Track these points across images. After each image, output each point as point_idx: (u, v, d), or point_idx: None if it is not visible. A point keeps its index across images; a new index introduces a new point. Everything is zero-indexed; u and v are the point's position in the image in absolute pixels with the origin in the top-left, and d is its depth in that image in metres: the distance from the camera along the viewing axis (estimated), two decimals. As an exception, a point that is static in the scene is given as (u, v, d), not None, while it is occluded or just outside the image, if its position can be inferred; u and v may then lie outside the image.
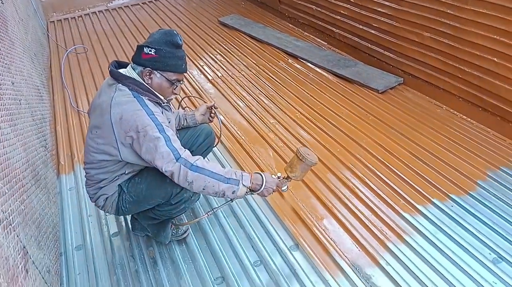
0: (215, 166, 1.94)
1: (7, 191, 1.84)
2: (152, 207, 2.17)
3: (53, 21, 6.52)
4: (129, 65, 2.04)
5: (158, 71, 1.99)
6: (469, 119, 3.22)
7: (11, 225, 1.73)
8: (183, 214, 2.53)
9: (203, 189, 1.91)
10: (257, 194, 2.02)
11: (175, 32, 2.02)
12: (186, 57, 2.09)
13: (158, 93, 2.02)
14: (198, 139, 2.47)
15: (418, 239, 2.25)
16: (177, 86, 2.06)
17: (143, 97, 1.95)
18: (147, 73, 1.99)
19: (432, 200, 2.50)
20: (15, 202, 1.89)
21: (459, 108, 3.30)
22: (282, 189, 2.13)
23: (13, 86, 2.70)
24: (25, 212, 1.98)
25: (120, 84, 1.97)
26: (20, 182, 2.08)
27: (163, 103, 2.05)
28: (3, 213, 1.70)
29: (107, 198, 2.11)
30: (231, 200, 2.07)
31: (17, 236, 1.76)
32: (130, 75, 1.99)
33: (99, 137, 1.98)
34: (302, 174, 2.08)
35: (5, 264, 1.51)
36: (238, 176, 1.96)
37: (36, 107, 3.19)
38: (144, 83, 1.99)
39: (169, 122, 2.08)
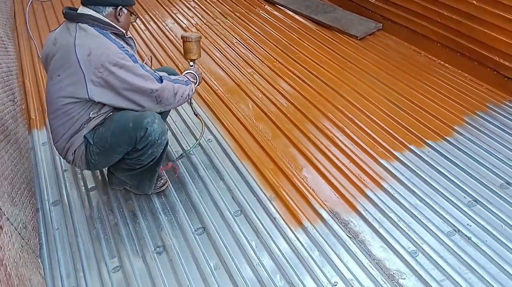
0: (176, 77, 2.24)
1: (-27, 147, 1.76)
2: (122, 157, 2.13)
3: (14, -33, 6.08)
4: (81, 7, 2.01)
5: (126, 6, 2.07)
6: (447, 65, 3.21)
7: (-20, 182, 1.67)
8: (164, 171, 2.50)
9: (181, 96, 2.16)
10: (197, 85, 2.39)
11: None
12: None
13: (125, 28, 2.10)
14: None
15: (395, 184, 2.29)
16: (136, 17, 2.22)
17: (107, 31, 1.98)
18: (119, 12, 2.05)
19: (409, 146, 2.52)
20: (-17, 159, 1.82)
21: (437, 54, 3.28)
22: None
23: (-27, 37, 2.54)
24: (-5, 168, 1.91)
25: (79, 24, 1.95)
26: (-13, 138, 2.00)
27: (126, 35, 2.10)
28: (-29, 170, 1.63)
29: (75, 151, 2.08)
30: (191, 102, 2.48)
31: (-12, 193, 1.71)
32: (89, 14, 1.98)
33: (62, 80, 1.95)
34: (199, 50, 2.41)
35: (-23, 222, 1.47)
36: (186, 77, 2.30)
37: (1, 59, 3.03)
38: (102, 18, 1.99)
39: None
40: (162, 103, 2.08)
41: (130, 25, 2.21)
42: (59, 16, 4.54)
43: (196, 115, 2.51)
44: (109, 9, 2.01)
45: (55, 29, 2.10)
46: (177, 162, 2.56)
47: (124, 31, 2.08)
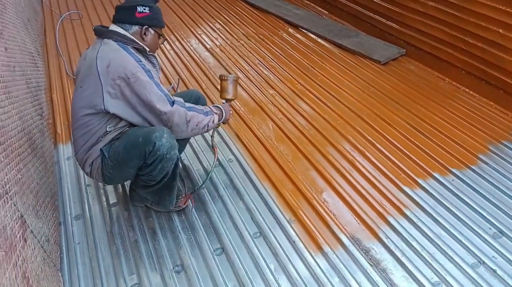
0: (196, 106, 2.20)
1: (3, 159, 1.80)
2: (136, 172, 2.15)
3: (46, -14, 6.31)
4: (112, 25, 2.12)
5: (153, 27, 2.15)
6: (471, 92, 3.18)
7: (7, 194, 1.70)
8: (182, 185, 2.52)
9: (196, 125, 2.13)
10: (223, 121, 2.34)
11: None
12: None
13: (151, 47, 2.17)
14: None
15: (418, 212, 2.25)
16: (164, 39, 2.27)
17: (128, 46, 2.05)
18: (145, 31, 2.12)
19: (433, 173, 2.49)
20: (11, 171, 1.85)
21: (462, 81, 3.26)
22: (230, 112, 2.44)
23: (6, 53, 2.62)
24: (22, 181, 1.95)
25: (105, 39, 2.05)
26: (16, 151, 2.04)
27: (147, 52, 2.14)
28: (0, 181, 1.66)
29: (92, 163, 2.12)
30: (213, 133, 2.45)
31: (14, 205, 1.73)
32: (115, 30, 2.08)
33: (83, 91, 2.04)
34: (235, 91, 2.41)
35: (2, 233, 1.49)
36: (207, 107, 2.27)
37: (30, 74, 3.11)
38: (127, 35, 2.08)
39: (156, 77, 2.13)
40: (173, 128, 2.07)
41: (158, 46, 2.26)
42: (88, 33, 4.68)
43: (212, 147, 2.47)
44: (135, 28, 2.10)
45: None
46: (193, 180, 2.57)
47: (146, 48, 2.12)
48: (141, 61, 2.03)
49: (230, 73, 2.44)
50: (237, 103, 3.34)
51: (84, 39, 4.58)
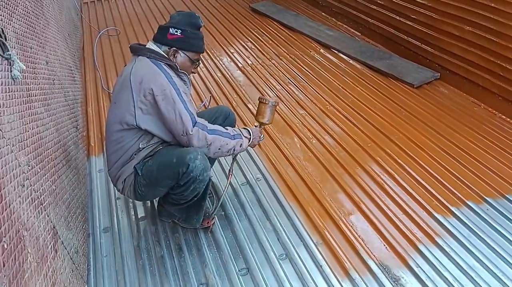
0: (221, 127, 2.16)
1: (39, 170, 1.85)
2: (167, 191, 2.17)
3: (87, 2, 6.56)
4: (149, 42, 2.17)
5: (183, 51, 2.15)
6: (508, 119, 3.09)
7: (42, 204, 1.74)
8: (209, 201, 2.52)
9: (219, 149, 2.11)
10: (249, 145, 2.27)
11: (196, 14, 2.21)
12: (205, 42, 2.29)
13: (183, 69, 2.17)
14: (216, 121, 2.49)
15: (451, 242, 2.18)
16: (197, 65, 2.25)
17: (160, 62, 2.08)
18: (173, 53, 2.13)
19: (467, 201, 2.41)
20: (46, 182, 1.91)
21: (498, 107, 3.17)
22: (260, 137, 2.38)
23: (47, 66, 2.72)
24: (56, 192, 2.00)
25: (140, 56, 2.11)
26: (52, 162, 2.10)
27: (179, 69, 2.15)
28: (35, 192, 1.71)
29: (125, 180, 2.15)
30: (236, 154, 2.33)
31: (48, 215, 1.77)
32: (149, 47, 2.13)
33: (117, 107, 2.09)
34: (272, 116, 2.34)
35: (35, 244, 1.52)
36: (238, 131, 2.22)
37: (68, 88, 3.22)
38: (159, 51, 2.11)
39: (185, 95, 2.13)
40: (198, 144, 2.06)
41: (192, 70, 2.25)
42: (124, 49, 4.82)
43: (229, 172, 2.38)
44: (165, 48, 2.13)
45: None
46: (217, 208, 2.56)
47: (177, 66, 2.13)
48: (172, 78, 2.05)
49: (270, 97, 2.37)
50: (267, 122, 3.34)
51: (120, 54, 4.72)
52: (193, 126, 2.02)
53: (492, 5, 2.99)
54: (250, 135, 2.26)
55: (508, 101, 3.08)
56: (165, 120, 2.02)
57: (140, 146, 2.10)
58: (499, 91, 3.14)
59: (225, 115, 2.52)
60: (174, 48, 2.12)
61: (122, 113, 2.04)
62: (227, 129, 2.18)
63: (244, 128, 2.30)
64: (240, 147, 2.19)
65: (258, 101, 2.35)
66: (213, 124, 2.47)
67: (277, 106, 2.39)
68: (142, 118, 2.02)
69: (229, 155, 2.25)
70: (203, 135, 2.04)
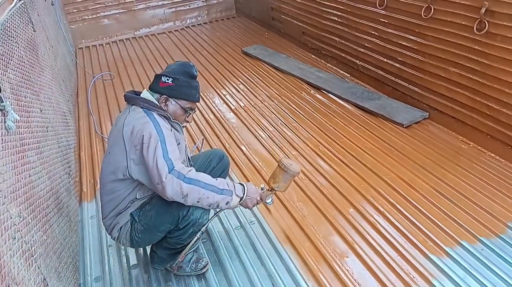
0: (207, 177, 2.00)
1: (30, 221, 1.84)
2: (164, 235, 2.16)
3: (82, 48, 6.71)
4: (144, 90, 2.18)
5: (174, 98, 2.14)
6: (497, 157, 3.13)
7: (33, 256, 1.72)
8: (202, 246, 2.50)
9: (198, 202, 1.95)
10: (240, 204, 2.06)
11: (191, 64, 2.22)
12: (200, 87, 2.25)
13: (172, 116, 2.13)
14: (211, 163, 2.50)
15: (447, 283, 2.16)
16: (189, 114, 2.22)
17: (152, 112, 2.07)
18: (163, 100, 2.13)
19: (461, 241, 2.40)
20: (37, 232, 1.89)
21: (487, 145, 3.22)
22: (267, 201, 2.19)
23: (41, 114, 2.75)
24: (47, 242, 1.98)
25: (133, 106, 2.11)
26: (43, 211, 2.09)
27: (171, 119, 2.12)
28: (26, 244, 1.69)
29: (120, 228, 2.14)
30: (219, 210, 2.16)
31: (38, 267, 1.75)
32: (142, 96, 2.13)
33: (111, 157, 2.07)
34: (286, 185, 2.12)
35: (25, 298, 1.49)
36: (231, 187, 2.03)
37: (62, 134, 3.24)
38: (152, 100, 2.11)
39: (179, 144, 2.13)
40: (173, 196, 1.93)
41: (186, 119, 2.21)
42: (118, 93, 4.89)
43: (204, 226, 2.14)
44: (156, 95, 2.14)
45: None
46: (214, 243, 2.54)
47: (169, 115, 2.11)
48: (161, 127, 2.00)
49: (291, 163, 2.10)
50: (260, 163, 3.37)
51: (114, 99, 4.78)
52: (169, 173, 1.90)
53: (476, 47, 3.09)
54: (244, 194, 2.07)
55: (496, 140, 3.14)
56: (146, 169, 1.97)
57: (137, 196, 2.10)
58: (487, 130, 3.20)
59: (219, 158, 2.54)
60: (165, 96, 2.12)
61: (116, 164, 2.04)
62: (217, 180, 2.01)
63: (240, 183, 2.11)
64: (227, 204, 2.01)
65: (277, 162, 2.12)
66: (208, 167, 2.49)
67: (296, 176, 2.13)
68: (134, 169, 2.01)
69: (211, 209, 2.09)
70: (177, 185, 1.90)
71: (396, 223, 2.60)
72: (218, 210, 2.14)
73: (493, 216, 2.58)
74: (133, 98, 2.15)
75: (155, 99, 2.13)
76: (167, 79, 2.12)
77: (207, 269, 2.36)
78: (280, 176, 2.09)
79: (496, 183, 2.85)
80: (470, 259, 2.30)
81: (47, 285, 1.76)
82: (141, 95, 2.17)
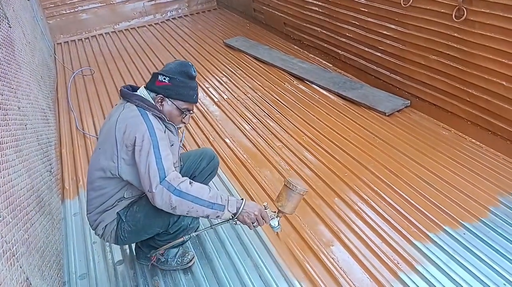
0: (199, 190, 1.91)
1: (11, 220, 1.81)
2: (152, 236, 2.14)
3: (60, 43, 6.58)
4: (141, 88, 2.11)
5: (170, 98, 2.06)
6: (478, 143, 3.17)
7: (14, 255, 1.69)
8: (189, 242, 2.49)
9: (187, 213, 1.92)
10: (236, 218, 1.96)
11: (190, 63, 2.11)
12: (198, 88, 2.15)
13: (167, 116, 2.06)
14: (201, 163, 2.46)
15: (430, 268, 2.19)
16: (186, 115, 2.12)
17: (147, 111, 2.00)
18: (159, 100, 2.05)
19: (444, 227, 2.44)
20: (19, 231, 1.86)
21: (467, 131, 3.26)
22: (272, 224, 2.02)
23: (19, 111, 2.70)
24: (29, 241, 1.94)
25: (128, 103, 2.03)
26: (24, 210, 2.05)
27: (166, 120, 2.06)
28: (7, 243, 1.66)
29: (106, 226, 2.10)
30: (216, 224, 2.12)
31: (21, 267, 1.72)
32: (139, 94, 2.05)
33: (101, 154, 2.02)
34: (291, 204, 1.95)
35: (7, 298, 1.47)
36: (224, 201, 1.94)
37: (42, 131, 3.18)
38: (149, 100, 2.04)
39: (172, 145, 2.08)
40: (161, 206, 1.89)
41: (182, 120, 2.13)
42: (99, 89, 4.82)
43: (189, 236, 2.09)
44: (153, 94, 2.06)
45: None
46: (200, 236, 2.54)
47: (165, 117, 2.04)
48: (154, 129, 1.94)
49: (298, 183, 1.95)
50: (245, 155, 3.36)
51: (95, 94, 4.71)
52: (160, 183, 1.86)
53: (455, 35, 3.12)
54: (238, 211, 1.96)
55: (476, 125, 3.19)
56: (138, 172, 1.92)
57: (125, 195, 2.06)
58: (467, 116, 3.24)
59: (209, 158, 2.49)
60: (161, 96, 2.04)
61: (106, 162, 1.98)
62: (210, 193, 1.93)
63: (237, 200, 1.99)
64: (217, 217, 1.97)
65: (284, 182, 1.97)
66: (198, 167, 2.44)
67: (304, 195, 1.99)
68: (124, 169, 1.96)
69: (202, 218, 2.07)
70: (167, 196, 1.86)
71: (380, 211, 2.62)
72: (214, 223, 2.13)
73: (474, 200, 2.62)
74: (128, 95, 2.05)
75: (152, 98, 2.05)
76: (164, 79, 2.03)
77: (193, 262, 2.36)
78: (284, 194, 1.95)
79: (477, 168, 2.90)
80: (453, 243, 2.34)
81: (30, 284, 1.73)
82: (138, 92, 2.07)
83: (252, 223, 1.98)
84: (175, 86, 2.04)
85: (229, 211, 1.94)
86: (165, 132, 2.03)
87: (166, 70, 2.08)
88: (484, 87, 3.02)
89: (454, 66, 3.22)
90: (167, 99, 2.06)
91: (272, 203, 2.05)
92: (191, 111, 2.13)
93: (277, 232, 2.37)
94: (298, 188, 1.92)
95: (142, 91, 2.08)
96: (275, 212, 2.02)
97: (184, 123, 2.15)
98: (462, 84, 3.20)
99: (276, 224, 2.01)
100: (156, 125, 1.98)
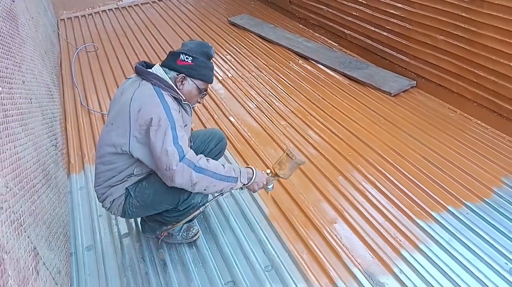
0: (216, 166, 1.99)
1: (18, 192, 1.82)
2: (160, 212, 2.16)
3: (63, 19, 6.52)
4: (156, 65, 2.10)
5: (192, 78, 2.08)
6: (483, 124, 3.17)
7: (22, 225, 1.71)
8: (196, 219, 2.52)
9: (205, 189, 1.97)
10: (246, 187, 2.11)
11: (209, 44, 2.16)
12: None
13: (186, 97, 2.08)
14: (209, 144, 2.46)
15: (433, 247, 2.21)
16: (204, 95, 2.17)
17: (163, 92, 1.99)
18: (181, 79, 2.06)
19: (447, 206, 2.45)
20: (26, 202, 1.87)
21: (473, 113, 3.25)
22: (268, 187, 2.21)
23: (24, 85, 2.69)
24: (36, 212, 1.96)
25: (143, 81, 2.02)
26: (31, 182, 2.06)
27: (183, 101, 2.07)
28: (14, 213, 1.68)
29: (113, 200, 2.11)
30: (218, 195, 2.22)
31: (28, 237, 1.74)
32: (155, 73, 2.04)
33: (113, 130, 2.01)
34: (290, 172, 2.15)
35: (16, 266, 1.49)
36: (237, 173, 2.04)
37: (46, 106, 3.18)
38: (166, 80, 2.03)
39: (185, 125, 2.09)
40: (182, 183, 1.92)
41: (198, 100, 2.17)
42: (102, 65, 4.80)
43: (204, 205, 2.19)
44: (172, 73, 2.05)
45: (131, 77, 2.15)
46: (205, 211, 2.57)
47: (182, 97, 2.05)
48: (171, 110, 1.94)
49: (298, 154, 2.15)
50: (249, 133, 3.36)
51: (99, 70, 4.69)
52: (180, 161, 1.88)
53: (463, 14, 3.08)
54: (249, 182, 2.08)
55: (482, 107, 3.17)
56: (152, 152, 1.92)
57: (134, 172, 2.05)
58: (473, 97, 3.23)
59: (218, 140, 2.49)
60: (183, 75, 2.05)
61: (117, 138, 1.97)
62: (224, 168, 2.00)
63: (248, 167, 2.13)
64: (230, 189, 2.07)
65: (284, 152, 2.15)
66: (207, 147, 2.44)
67: (300, 166, 2.18)
68: (135, 147, 1.95)
69: (219, 195, 2.20)
70: (188, 173, 1.89)
71: (384, 190, 2.64)
72: (217, 194, 2.19)
73: (478, 181, 2.63)
74: (145, 72, 2.04)
75: (171, 77, 2.05)
76: (187, 58, 2.04)
77: (198, 237, 2.38)
78: (286, 163, 2.12)
79: (482, 149, 2.90)
80: (456, 223, 2.35)
81: (38, 254, 1.76)
82: (153, 70, 2.06)
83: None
84: (198, 66, 2.06)
85: (241, 182, 2.05)
86: (179, 112, 2.03)
87: (187, 49, 2.07)
88: (491, 69, 2.99)
89: (461, 47, 3.19)
90: (189, 79, 2.07)
91: (268, 168, 2.26)
92: (206, 91, 2.18)
93: (269, 192, 2.53)
94: (297, 158, 2.10)
95: (158, 70, 2.06)
96: (273, 176, 2.18)
97: (199, 103, 2.19)
98: (469, 65, 3.17)
99: (272, 186, 2.23)
100: (172, 105, 1.97)
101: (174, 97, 2.02)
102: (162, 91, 1.99)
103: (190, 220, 2.27)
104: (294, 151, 2.14)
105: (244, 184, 2.07)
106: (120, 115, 1.97)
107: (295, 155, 2.10)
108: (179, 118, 1.99)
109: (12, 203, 1.69)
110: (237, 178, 2.03)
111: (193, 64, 2.05)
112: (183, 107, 2.09)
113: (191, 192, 2.00)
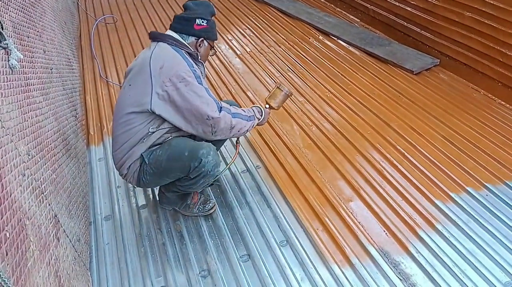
0: (240, 110, 2.23)
1: (39, 160, 1.85)
2: (173, 181, 2.18)
3: (83, -10, 6.49)
4: (169, 31, 2.18)
5: (208, 40, 2.21)
6: (507, 105, 3.09)
7: (43, 193, 1.74)
8: (209, 189, 2.54)
9: (238, 131, 2.18)
10: (258, 123, 2.35)
11: (209, 2, 2.27)
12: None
13: (202, 58, 2.22)
14: None
15: (450, 227, 2.19)
16: (214, 52, 2.33)
17: (182, 50, 2.10)
18: (200, 43, 2.18)
19: (467, 188, 2.42)
20: (47, 171, 1.91)
21: (497, 93, 3.17)
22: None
23: (45, 55, 2.70)
24: (56, 181, 2.00)
25: (160, 42, 2.11)
26: (52, 151, 2.09)
27: (199, 59, 2.19)
28: (36, 181, 1.71)
29: (130, 166, 2.14)
30: (230, 163, 2.41)
31: (49, 204, 1.78)
32: (170, 34, 2.14)
33: (131, 89, 2.07)
34: (280, 103, 2.43)
35: (37, 232, 1.53)
36: (254, 112, 2.31)
37: (66, 76, 3.20)
38: (181, 40, 2.13)
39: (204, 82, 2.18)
40: (216, 133, 2.11)
41: (207, 57, 2.30)
42: (121, 37, 4.79)
43: (236, 143, 2.46)
44: (192, 39, 2.16)
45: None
46: (221, 185, 2.60)
47: (198, 54, 2.18)
48: (193, 67, 2.07)
49: (285, 87, 2.44)
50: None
51: (117, 42, 4.69)
52: (219, 109, 2.07)
53: (492, -10, 2.97)
54: (261, 116, 2.34)
55: (507, 87, 3.08)
56: (187, 106, 2.00)
57: (149, 130, 2.07)
58: (498, 77, 3.13)
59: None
60: (202, 38, 2.17)
61: (138, 96, 2.02)
62: (244, 110, 2.25)
63: (256, 107, 2.36)
64: (252, 126, 2.28)
65: (275, 86, 2.43)
66: None
67: (290, 97, 2.48)
68: (157, 103, 2.00)
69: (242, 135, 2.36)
70: (228, 119, 2.10)
71: (402, 169, 2.61)
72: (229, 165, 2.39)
73: (500, 163, 2.58)
74: (161, 35, 2.15)
75: (189, 42, 2.15)
76: (202, 22, 2.15)
77: (214, 210, 2.41)
78: (278, 96, 2.40)
79: (505, 131, 2.83)
80: (475, 204, 2.32)
81: (58, 221, 1.80)
82: (168, 32, 2.17)
83: None
84: (211, 28, 2.20)
85: (257, 118, 2.31)
86: (198, 69, 2.14)
87: (199, 13, 2.16)
88: (519, 47, 2.89)
89: (488, 24, 3.08)
90: (205, 41, 2.19)
91: (270, 106, 2.41)
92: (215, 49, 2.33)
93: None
94: (285, 89, 2.39)
95: (171, 33, 2.15)
96: (269, 108, 2.42)
97: (207, 60, 2.34)
98: (495, 43, 3.07)
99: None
100: (192, 62, 2.09)
101: (190, 54, 2.13)
102: (181, 49, 2.10)
103: (211, 184, 2.36)
104: (283, 85, 2.43)
105: (258, 119, 2.31)
106: (140, 74, 2.03)
107: (284, 87, 2.40)
108: (200, 74, 2.11)
109: (34, 170, 1.72)
110: (254, 115, 2.28)
111: (208, 27, 2.18)
112: (198, 66, 2.17)
113: (202, 159, 2.02)
